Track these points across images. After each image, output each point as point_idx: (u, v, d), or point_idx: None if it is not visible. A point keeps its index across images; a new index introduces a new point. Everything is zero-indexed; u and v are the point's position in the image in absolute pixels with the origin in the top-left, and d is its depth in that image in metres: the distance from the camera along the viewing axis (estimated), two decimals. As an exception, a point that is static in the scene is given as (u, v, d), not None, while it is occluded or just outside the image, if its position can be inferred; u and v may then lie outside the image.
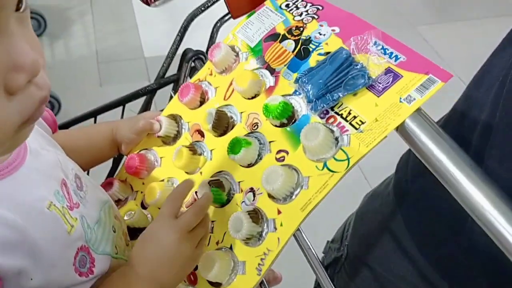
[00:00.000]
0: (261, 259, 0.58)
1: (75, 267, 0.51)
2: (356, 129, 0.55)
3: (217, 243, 0.62)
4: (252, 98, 0.66)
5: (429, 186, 0.57)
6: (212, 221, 0.63)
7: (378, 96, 0.56)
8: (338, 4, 0.68)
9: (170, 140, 0.73)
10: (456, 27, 2.58)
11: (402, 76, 0.56)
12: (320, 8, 0.68)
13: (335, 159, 0.55)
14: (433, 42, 2.41)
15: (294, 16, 0.69)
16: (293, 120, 0.61)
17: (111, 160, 0.78)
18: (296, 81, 0.61)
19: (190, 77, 0.76)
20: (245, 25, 0.73)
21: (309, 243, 0.60)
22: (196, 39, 0.82)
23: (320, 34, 0.65)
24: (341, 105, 0.57)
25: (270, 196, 0.58)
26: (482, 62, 0.61)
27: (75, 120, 0.77)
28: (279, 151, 0.60)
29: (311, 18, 0.68)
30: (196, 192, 0.65)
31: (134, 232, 0.68)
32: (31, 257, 0.45)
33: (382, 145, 0.54)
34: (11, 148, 0.43)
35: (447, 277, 0.67)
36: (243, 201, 0.61)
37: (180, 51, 0.83)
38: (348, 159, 0.54)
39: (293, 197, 0.56)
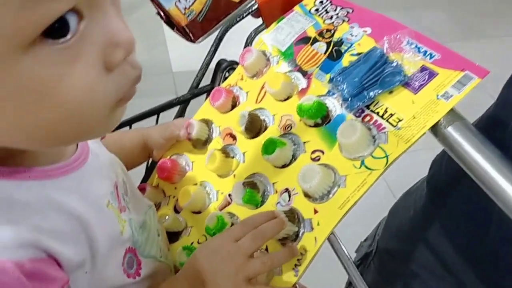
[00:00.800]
0: (298, 260, 0.57)
1: (124, 267, 0.52)
2: (394, 126, 0.54)
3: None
4: (285, 100, 0.66)
5: (466, 183, 0.56)
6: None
7: (415, 94, 0.56)
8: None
9: (201, 144, 0.74)
10: (485, 43, 2.57)
11: (438, 74, 0.56)
12: (350, 11, 0.69)
13: (373, 156, 0.54)
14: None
15: (325, 20, 0.70)
16: (327, 120, 0.61)
17: (144, 168, 0.79)
18: (330, 81, 0.61)
19: (224, 87, 0.77)
20: (274, 30, 0.74)
21: (340, 243, 0.59)
22: (229, 50, 0.83)
23: (352, 36, 0.65)
24: (377, 103, 0.57)
25: (306, 195, 0.58)
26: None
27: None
28: (314, 151, 0.60)
29: (341, 21, 0.68)
30: (229, 195, 0.65)
31: (169, 235, 0.68)
32: (90, 251, 0.47)
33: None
34: (107, 129, 0.42)
35: (477, 272, 0.66)
36: (278, 202, 0.61)
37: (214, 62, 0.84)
38: (386, 156, 0.53)
39: (330, 195, 0.56)
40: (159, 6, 0.76)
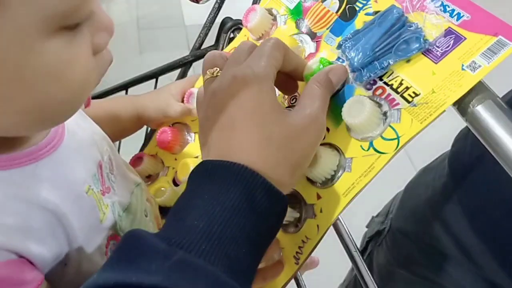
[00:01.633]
0: (299, 247, 0.52)
1: (108, 257, 0.48)
2: (409, 102, 0.47)
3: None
4: (291, 67, 0.59)
5: (492, 165, 0.49)
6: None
7: (436, 63, 0.47)
8: None
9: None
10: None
11: (465, 38, 0.47)
12: (369, -39, 0.59)
13: (382, 138, 0.47)
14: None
15: (339, -29, 0.61)
16: (335, 91, 0.53)
17: (143, 135, 0.74)
18: (339, 46, 0.53)
19: (229, 49, 0.70)
20: (283, -16, 0.65)
21: (346, 227, 0.54)
22: (236, 8, 0.75)
23: (369, -9, 0.56)
24: (391, 73, 0.49)
25: (308, 179, 0.52)
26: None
27: (105, 92, 0.74)
28: (319, 128, 0.53)
29: (358, -27, 0.59)
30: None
31: (166, 211, 0.64)
32: (67, 243, 0.43)
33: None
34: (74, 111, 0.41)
35: (498, 259, 0.62)
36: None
37: (218, 20, 0.76)
38: (398, 138, 0.46)
39: (335, 180, 0.50)
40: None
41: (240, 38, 0.68)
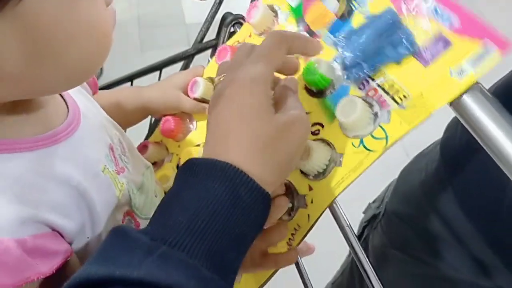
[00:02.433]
0: (292, 234, 0.56)
1: None
2: (398, 104, 0.50)
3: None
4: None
5: (481, 151, 0.52)
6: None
7: (425, 67, 0.50)
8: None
9: (206, 103, 0.71)
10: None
11: (452, 43, 0.50)
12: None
13: (372, 136, 0.50)
14: None
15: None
16: (331, 89, 0.56)
17: (147, 125, 0.77)
18: (334, 45, 0.56)
19: (229, 43, 0.73)
20: (286, -20, 0.67)
21: (343, 213, 0.57)
22: (236, 3, 0.77)
23: (367, -9, 0.59)
24: (384, 75, 0.52)
25: (301, 171, 0.55)
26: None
27: (111, 84, 0.76)
28: (314, 124, 0.56)
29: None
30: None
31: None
32: (90, 217, 0.47)
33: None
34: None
35: (488, 242, 0.65)
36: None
37: (219, 16, 0.79)
38: (386, 137, 0.49)
39: (326, 174, 0.53)
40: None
41: (243, 32, 0.70)
